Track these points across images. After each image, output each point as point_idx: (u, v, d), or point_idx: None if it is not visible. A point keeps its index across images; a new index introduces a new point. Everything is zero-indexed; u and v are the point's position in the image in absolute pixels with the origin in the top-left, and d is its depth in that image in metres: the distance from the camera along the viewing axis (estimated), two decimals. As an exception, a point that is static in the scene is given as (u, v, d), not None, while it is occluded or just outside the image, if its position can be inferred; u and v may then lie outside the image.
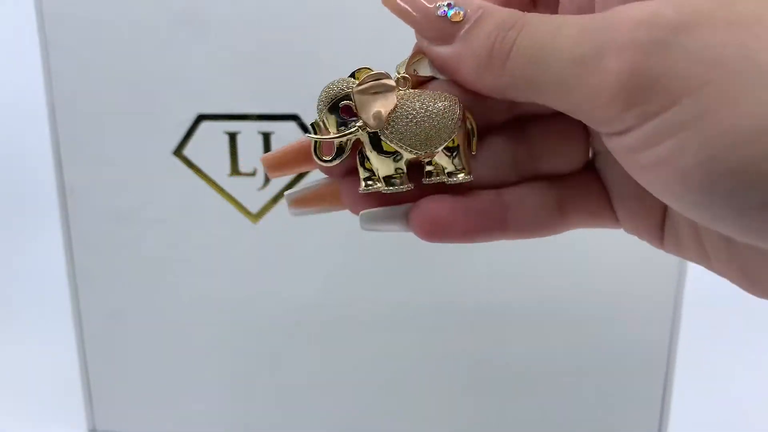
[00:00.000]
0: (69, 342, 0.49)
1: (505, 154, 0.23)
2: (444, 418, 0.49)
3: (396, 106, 0.22)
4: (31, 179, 0.73)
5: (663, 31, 0.17)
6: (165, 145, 0.43)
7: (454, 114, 0.22)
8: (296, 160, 0.24)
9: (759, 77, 0.15)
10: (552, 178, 0.23)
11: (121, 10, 0.41)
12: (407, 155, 0.22)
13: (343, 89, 0.22)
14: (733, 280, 0.21)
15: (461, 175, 0.22)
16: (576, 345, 0.46)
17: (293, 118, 0.42)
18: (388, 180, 0.22)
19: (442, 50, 0.21)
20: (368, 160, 0.22)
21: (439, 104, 0.22)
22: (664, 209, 0.23)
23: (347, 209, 0.24)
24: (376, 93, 0.22)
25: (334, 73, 0.41)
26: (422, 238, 0.22)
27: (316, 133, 0.23)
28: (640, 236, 0.24)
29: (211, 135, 0.43)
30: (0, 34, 0.72)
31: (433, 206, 0.22)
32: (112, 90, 0.43)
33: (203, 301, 0.47)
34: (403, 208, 0.23)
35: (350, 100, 0.22)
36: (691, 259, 0.22)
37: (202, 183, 0.44)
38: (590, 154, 0.24)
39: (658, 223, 0.23)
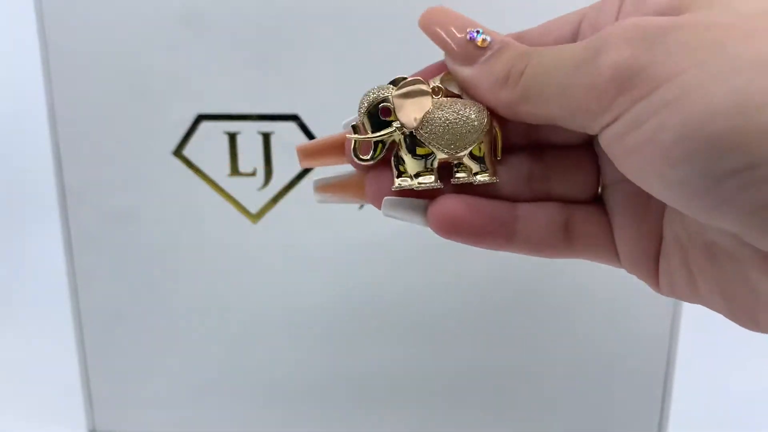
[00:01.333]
0: (69, 342, 0.49)
1: (522, 168, 0.25)
2: (444, 418, 0.49)
3: (430, 109, 0.24)
4: (31, 179, 0.73)
5: (651, 31, 0.20)
6: (165, 145, 0.43)
7: (482, 119, 0.24)
8: (330, 152, 0.26)
9: (727, 64, 0.18)
10: (562, 202, 0.25)
11: (121, 10, 0.41)
12: (439, 155, 0.24)
13: (382, 94, 0.25)
14: (716, 308, 0.23)
15: (486, 176, 0.25)
16: (576, 344, 0.46)
17: (293, 118, 0.42)
18: (419, 177, 0.25)
19: (466, 70, 0.24)
20: (402, 161, 0.25)
21: (469, 110, 0.24)
22: (659, 243, 0.25)
23: (370, 202, 0.26)
24: (412, 97, 0.24)
25: (334, 73, 0.42)
26: (436, 232, 0.24)
27: (356, 134, 0.25)
28: (638, 274, 0.25)
29: (211, 135, 0.43)
30: None
31: (451, 203, 0.24)
32: (112, 90, 0.43)
33: (203, 301, 0.47)
34: (424, 202, 0.25)
35: (388, 103, 0.25)
36: (682, 295, 0.24)
37: (201, 183, 0.44)
38: (599, 189, 0.26)
39: (652, 257, 0.25)
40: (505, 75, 0.23)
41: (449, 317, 0.46)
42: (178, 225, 0.45)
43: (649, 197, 0.23)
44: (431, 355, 0.48)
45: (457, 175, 0.25)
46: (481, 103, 0.24)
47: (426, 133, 0.24)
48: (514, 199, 0.25)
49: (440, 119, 0.24)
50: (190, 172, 0.44)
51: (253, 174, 0.44)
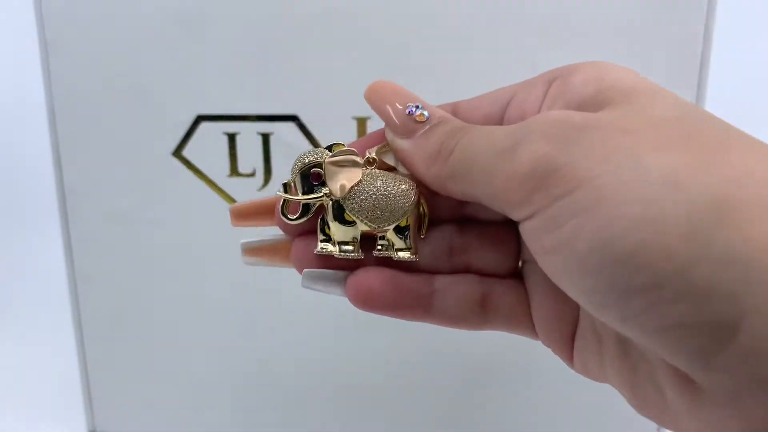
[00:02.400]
0: (69, 343, 0.49)
1: (444, 242, 0.26)
2: (444, 418, 0.49)
3: (360, 181, 0.25)
4: (31, 180, 0.73)
5: (569, 129, 0.20)
6: (164, 145, 0.43)
7: (410, 197, 0.25)
8: (262, 214, 0.27)
9: (638, 175, 0.18)
10: (481, 275, 0.26)
11: (120, 10, 0.41)
12: (363, 227, 0.25)
13: (316, 158, 0.25)
14: (625, 396, 0.24)
15: (407, 254, 0.25)
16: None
17: (292, 118, 0.42)
18: (342, 246, 0.25)
19: (403, 143, 0.25)
20: (328, 225, 0.25)
21: (398, 186, 0.25)
22: (575, 325, 0.25)
23: (294, 267, 0.26)
24: (344, 166, 0.25)
25: (333, 73, 0.42)
26: (354, 304, 0.25)
27: (286, 192, 0.26)
28: (553, 349, 0.26)
29: (211, 136, 0.43)
30: (-1, 35, 0.72)
31: (368, 276, 0.25)
32: (112, 91, 0.43)
33: (203, 302, 0.47)
34: (343, 274, 0.25)
35: (321, 168, 0.25)
36: (595, 378, 0.25)
37: (201, 184, 0.44)
38: (519, 264, 0.26)
39: (568, 337, 0.25)
40: (437, 150, 0.24)
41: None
42: (177, 226, 0.45)
43: None
44: (431, 353, 0.48)
45: (379, 247, 0.25)
46: (414, 176, 0.25)
47: (352, 204, 0.25)
48: (433, 272, 0.26)
49: (367, 192, 0.25)
50: (189, 173, 0.44)
51: (253, 174, 0.44)
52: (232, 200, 0.44)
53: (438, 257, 0.26)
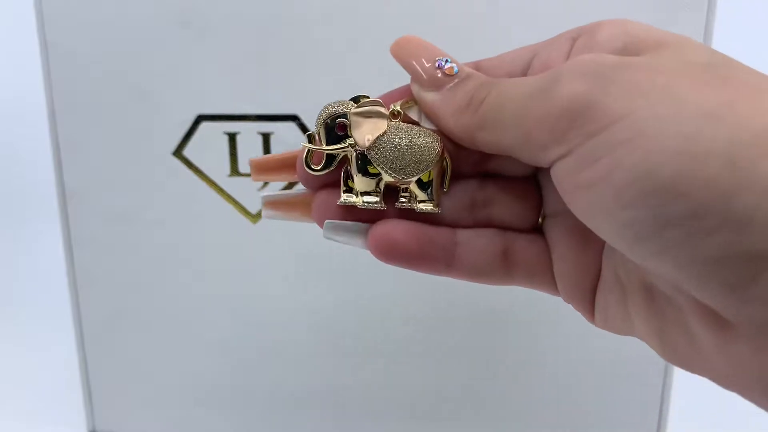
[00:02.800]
0: (69, 343, 0.49)
1: (466, 196, 0.26)
2: (445, 417, 0.49)
3: (385, 132, 0.25)
4: (31, 180, 0.73)
5: (604, 68, 0.20)
6: (165, 145, 0.43)
7: (434, 150, 0.25)
8: (283, 168, 0.27)
9: (676, 109, 0.19)
10: (503, 229, 0.26)
11: (120, 10, 0.41)
12: (387, 178, 0.25)
13: (342, 109, 0.25)
14: (651, 345, 0.24)
15: (429, 206, 0.25)
16: (574, 344, 0.46)
17: (293, 118, 0.42)
18: (365, 197, 0.25)
19: (431, 95, 0.25)
20: (351, 177, 0.25)
21: (423, 139, 0.25)
22: (596, 278, 0.25)
23: (315, 221, 0.26)
24: (369, 117, 0.25)
25: (333, 73, 0.42)
26: (375, 255, 0.25)
27: (311, 143, 0.25)
28: (574, 305, 0.26)
29: (211, 135, 0.43)
30: None
31: (391, 227, 0.25)
32: (112, 91, 0.43)
33: (203, 301, 0.47)
34: (365, 225, 0.25)
35: (346, 119, 0.25)
36: (617, 330, 0.25)
37: (201, 183, 0.44)
38: (540, 219, 0.26)
39: (589, 290, 0.25)
40: (467, 102, 0.24)
41: (449, 316, 0.46)
42: (178, 225, 0.45)
43: (589, 232, 0.23)
44: (431, 353, 0.47)
45: (402, 199, 0.25)
46: (440, 128, 0.25)
47: (377, 155, 0.25)
48: (455, 226, 0.26)
49: (392, 143, 0.25)
50: (190, 173, 0.44)
51: (253, 174, 0.44)
52: (232, 200, 0.44)
53: (460, 211, 0.26)
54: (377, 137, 0.25)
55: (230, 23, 0.41)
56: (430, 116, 0.25)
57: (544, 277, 0.26)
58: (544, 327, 0.46)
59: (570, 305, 0.26)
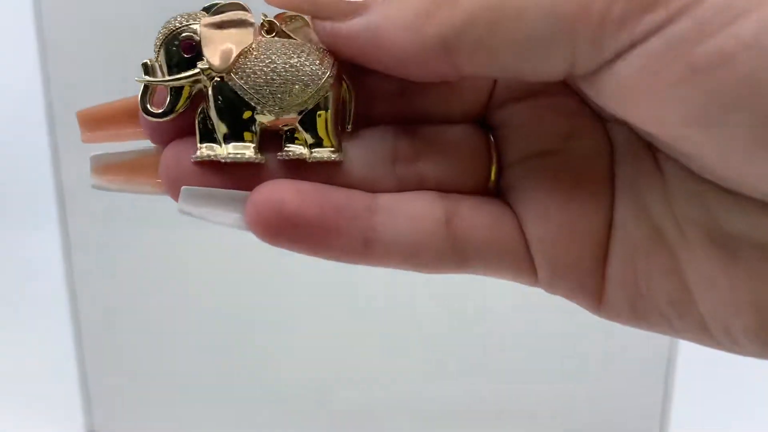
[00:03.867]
0: (67, 342, 0.48)
1: (384, 146, 0.18)
2: (444, 416, 0.49)
3: (252, 48, 0.17)
4: (29, 179, 0.73)
5: None
6: (163, 144, 0.43)
7: (324, 67, 0.17)
8: (122, 117, 0.20)
9: None
10: (439, 192, 0.18)
11: (119, 9, 0.41)
12: (261, 118, 0.17)
13: (187, 22, 0.18)
14: (733, 327, 0.16)
15: (326, 152, 0.18)
16: (576, 343, 0.46)
17: (292, 117, 0.42)
18: (232, 144, 0.17)
19: (354, 23, 0.16)
20: (210, 120, 0.18)
21: (308, 56, 0.17)
22: (605, 242, 0.18)
23: (166, 189, 0.19)
24: (228, 28, 0.18)
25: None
26: (257, 231, 0.17)
27: (146, 76, 0.19)
28: (564, 287, 0.18)
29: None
30: (-3, 34, 0.72)
31: (278, 188, 0.17)
32: (111, 90, 0.42)
33: (202, 301, 0.46)
34: (240, 193, 0.17)
35: (194, 34, 0.18)
36: (651, 315, 0.17)
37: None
38: (492, 177, 0.19)
39: (593, 261, 0.18)
40: (431, 1, 0.15)
41: (450, 316, 0.46)
42: (176, 225, 0.45)
43: (586, 176, 0.17)
44: (432, 353, 0.47)
45: (287, 147, 0.18)
46: (387, 56, 0.16)
47: (241, 79, 0.17)
48: (370, 189, 0.18)
49: (263, 62, 0.17)
50: (188, 172, 0.44)
51: (252, 173, 0.44)
52: (231, 199, 0.44)
53: (376, 166, 0.18)
54: (240, 53, 0.17)
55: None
56: (346, 50, 0.17)
57: (510, 254, 0.18)
58: (544, 326, 0.46)
59: (556, 294, 0.19)
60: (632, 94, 0.14)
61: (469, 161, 0.19)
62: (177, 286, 0.46)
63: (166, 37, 0.18)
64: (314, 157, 0.17)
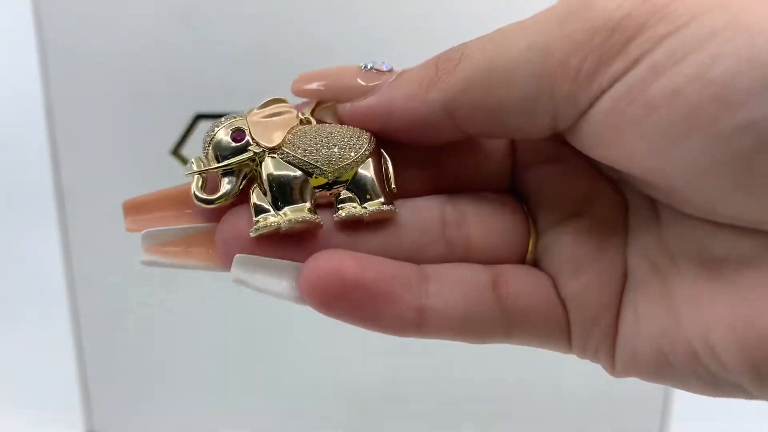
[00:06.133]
0: (67, 343, 0.48)
1: (433, 212, 0.19)
2: (444, 415, 0.49)
3: (296, 128, 0.19)
4: (28, 179, 0.73)
5: None
6: (162, 144, 0.43)
7: (363, 136, 0.19)
8: (167, 203, 0.20)
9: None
10: (485, 261, 0.19)
11: (118, 9, 0.41)
12: (313, 181, 0.19)
13: (234, 122, 0.19)
14: (724, 338, 0.17)
15: (379, 203, 0.18)
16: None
17: (292, 117, 0.42)
18: (289, 211, 0.18)
19: (370, 100, 0.19)
20: (263, 196, 0.19)
21: (346, 127, 0.19)
22: (622, 280, 0.19)
23: (221, 262, 0.19)
24: (273, 116, 0.20)
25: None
26: (312, 299, 0.17)
27: (196, 168, 0.19)
28: (592, 353, 0.19)
29: (210, 135, 0.43)
30: (-3, 34, 0.71)
31: (336, 256, 0.17)
32: (110, 89, 0.42)
33: (201, 302, 0.46)
34: (295, 264, 0.18)
35: (243, 126, 0.19)
36: (651, 338, 0.18)
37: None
38: (530, 246, 0.20)
39: (612, 302, 0.19)
40: (433, 70, 0.18)
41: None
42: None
43: (607, 229, 0.18)
44: (432, 352, 0.47)
45: (341, 208, 0.19)
46: (400, 123, 0.18)
47: (292, 149, 0.19)
48: (422, 252, 0.19)
49: (309, 135, 0.19)
50: (188, 172, 0.44)
51: (252, 174, 0.44)
52: (231, 200, 0.44)
53: (428, 230, 0.19)
54: (288, 133, 0.19)
55: (229, 22, 0.41)
56: (367, 123, 0.19)
57: (553, 319, 0.19)
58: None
59: (585, 359, 0.20)
60: (604, 136, 0.16)
61: (510, 227, 0.20)
62: (177, 287, 0.46)
63: (216, 133, 0.19)
64: (370, 212, 0.18)
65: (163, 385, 0.49)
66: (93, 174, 0.44)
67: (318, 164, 0.18)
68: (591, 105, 0.16)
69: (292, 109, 0.20)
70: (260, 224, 0.18)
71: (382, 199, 0.19)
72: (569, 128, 0.17)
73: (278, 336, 0.47)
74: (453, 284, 0.18)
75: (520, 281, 0.19)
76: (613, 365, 0.19)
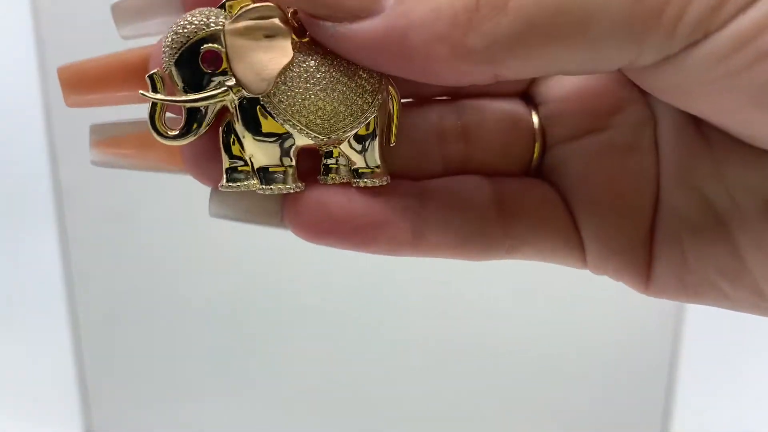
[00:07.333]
0: (65, 343, 0.48)
1: (431, 126, 0.17)
2: (445, 415, 0.49)
3: (290, 65, 0.15)
4: (27, 180, 0.73)
5: None
6: (162, 144, 0.43)
7: (374, 86, 0.15)
8: (111, 77, 0.16)
9: None
10: (485, 172, 0.17)
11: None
12: (301, 140, 0.15)
13: (206, 25, 0.14)
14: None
15: (375, 180, 0.16)
16: (579, 345, 0.46)
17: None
18: (266, 174, 0.15)
19: (368, 28, 0.14)
20: (239, 141, 0.15)
21: (352, 69, 0.15)
22: (652, 215, 0.17)
23: (190, 172, 0.16)
24: (259, 37, 0.14)
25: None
26: (302, 232, 0.16)
27: (156, 91, 0.15)
28: (615, 267, 0.17)
29: (209, 134, 0.43)
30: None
31: (326, 194, 0.16)
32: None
33: (200, 301, 0.46)
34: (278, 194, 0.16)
35: (217, 43, 0.14)
36: (703, 290, 0.16)
37: (199, 183, 0.44)
38: (535, 156, 0.18)
39: (640, 236, 0.17)
40: (473, 4, 0.13)
41: (449, 309, 0.46)
42: (175, 225, 0.45)
43: (635, 143, 0.16)
44: (432, 352, 0.47)
45: (328, 174, 0.16)
46: (418, 69, 0.14)
47: (280, 102, 0.15)
48: (417, 168, 0.17)
49: (305, 80, 0.15)
50: (187, 172, 0.44)
51: (252, 173, 0.43)
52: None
53: (424, 146, 0.17)
54: (281, 71, 0.14)
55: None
56: (363, 57, 0.14)
57: (561, 236, 0.17)
58: (547, 327, 0.46)
59: (602, 275, 0.18)
60: (695, 84, 0.13)
61: (513, 138, 0.17)
62: (176, 287, 0.46)
63: (182, 46, 0.14)
64: (362, 183, 0.16)
65: (161, 386, 0.49)
66: (91, 174, 0.44)
67: (310, 129, 0.15)
68: (684, 49, 0.13)
69: (287, 28, 0.15)
70: (230, 185, 0.16)
71: (378, 173, 0.16)
72: (642, 69, 0.14)
73: (277, 337, 0.47)
74: (455, 203, 0.16)
75: (524, 197, 0.17)
76: (645, 286, 0.17)
